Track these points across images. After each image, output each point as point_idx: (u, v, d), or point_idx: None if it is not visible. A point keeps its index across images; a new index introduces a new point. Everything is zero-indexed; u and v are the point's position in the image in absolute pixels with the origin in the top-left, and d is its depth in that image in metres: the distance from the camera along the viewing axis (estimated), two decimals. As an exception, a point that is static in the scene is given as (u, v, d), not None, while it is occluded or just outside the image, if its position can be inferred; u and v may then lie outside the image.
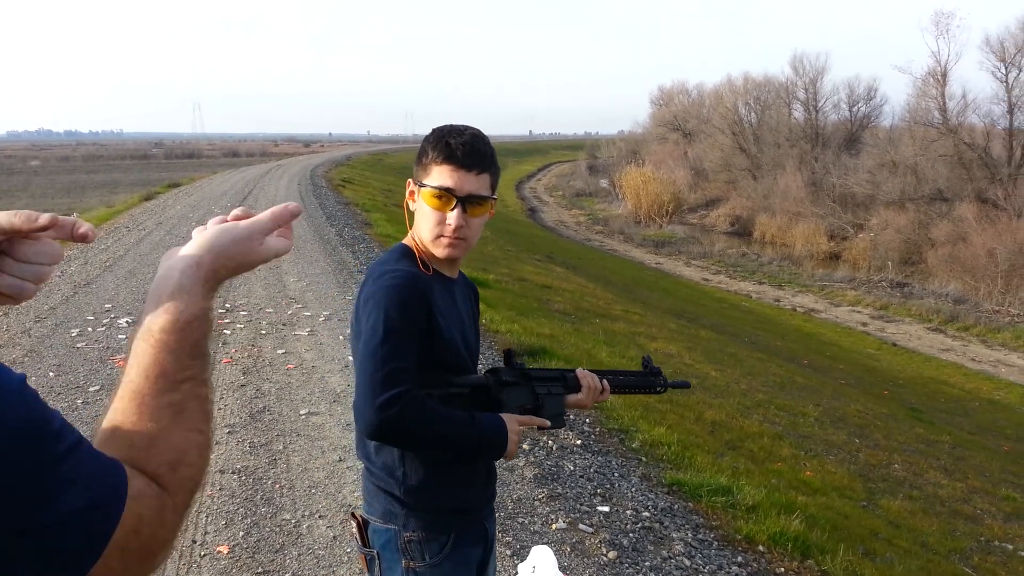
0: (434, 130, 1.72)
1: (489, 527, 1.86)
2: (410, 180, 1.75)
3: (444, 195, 1.66)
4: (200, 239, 0.84)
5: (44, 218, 0.79)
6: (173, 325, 0.77)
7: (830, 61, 56.94)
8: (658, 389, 2.00)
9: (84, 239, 0.81)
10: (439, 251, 1.71)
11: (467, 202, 1.67)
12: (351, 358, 1.73)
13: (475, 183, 1.67)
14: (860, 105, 42.19)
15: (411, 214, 1.76)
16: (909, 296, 22.50)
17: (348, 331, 1.82)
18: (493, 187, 1.73)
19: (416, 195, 1.72)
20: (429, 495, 1.70)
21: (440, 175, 1.67)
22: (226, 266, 0.84)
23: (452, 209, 1.66)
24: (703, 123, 49.89)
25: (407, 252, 1.75)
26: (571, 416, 5.20)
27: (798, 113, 43.21)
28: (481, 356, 6.58)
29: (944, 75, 31.47)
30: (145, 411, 0.74)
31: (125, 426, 0.74)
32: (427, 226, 1.69)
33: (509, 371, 1.80)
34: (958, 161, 30.04)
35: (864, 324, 20.13)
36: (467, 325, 1.81)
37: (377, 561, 1.72)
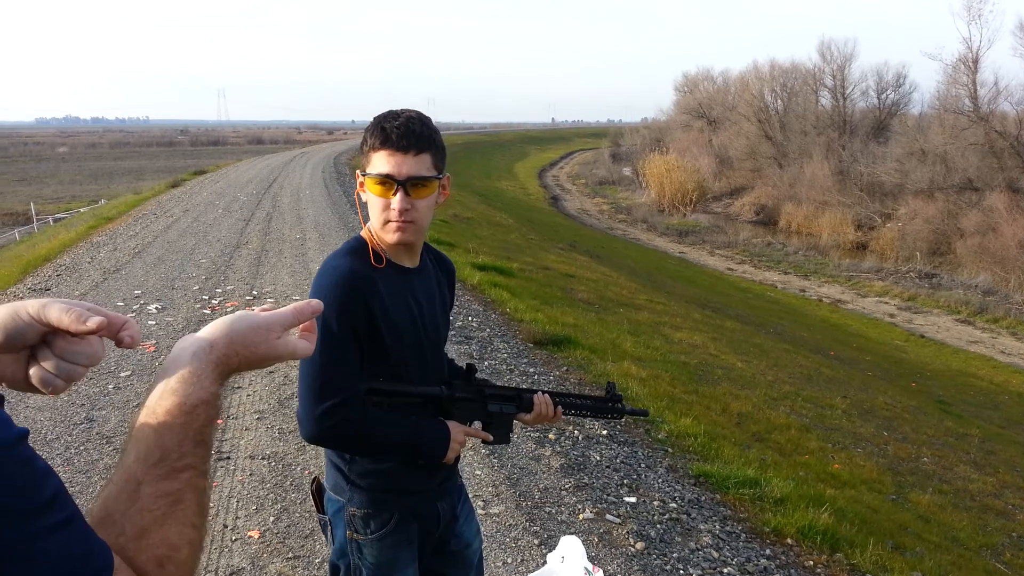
0: (374, 117, 1.71)
1: (444, 508, 1.88)
2: (358, 171, 1.75)
3: (385, 181, 1.66)
4: (216, 323, 0.82)
5: (93, 322, 0.74)
6: (179, 408, 0.73)
7: (858, 47, 56.02)
8: (613, 416, 2.05)
9: (124, 344, 0.77)
10: (389, 237, 1.71)
11: (408, 185, 1.65)
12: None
13: (414, 165, 1.65)
14: (889, 92, 41.51)
15: (364, 205, 1.76)
16: (937, 287, 22.21)
17: None
18: (438, 167, 1.70)
19: (364, 185, 1.72)
20: (373, 475, 1.77)
21: (379, 162, 1.66)
22: (240, 354, 0.80)
23: (395, 194, 1.66)
24: (728, 110, 49.33)
25: (356, 245, 1.75)
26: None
27: (825, 100, 42.58)
28: (505, 345, 6.59)
29: (975, 61, 30.83)
30: (139, 498, 0.69)
31: (116, 513, 0.69)
32: (375, 214, 1.70)
33: (466, 387, 1.84)
34: (989, 150, 29.48)
35: (891, 315, 19.91)
36: (427, 314, 1.80)
37: (329, 527, 1.82)
